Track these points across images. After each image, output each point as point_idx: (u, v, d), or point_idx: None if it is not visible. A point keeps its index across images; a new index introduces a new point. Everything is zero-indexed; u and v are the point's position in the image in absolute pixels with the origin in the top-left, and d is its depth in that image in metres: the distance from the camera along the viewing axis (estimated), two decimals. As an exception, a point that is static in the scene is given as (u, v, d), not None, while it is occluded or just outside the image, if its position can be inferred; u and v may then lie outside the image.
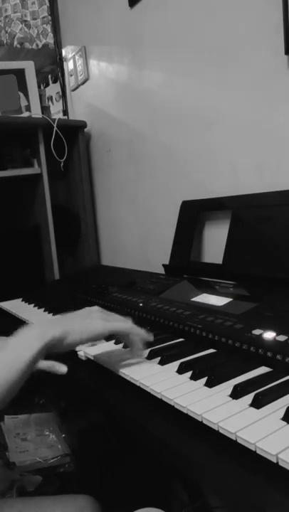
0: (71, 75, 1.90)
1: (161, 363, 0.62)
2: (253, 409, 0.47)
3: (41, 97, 1.95)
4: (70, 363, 0.67)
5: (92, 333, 0.59)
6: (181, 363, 0.59)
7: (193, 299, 0.86)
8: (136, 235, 1.58)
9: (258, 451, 0.40)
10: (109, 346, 0.72)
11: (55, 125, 1.67)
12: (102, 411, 1.11)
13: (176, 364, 0.60)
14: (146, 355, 0.65)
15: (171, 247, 1.21)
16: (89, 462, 1.08)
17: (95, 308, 0.66)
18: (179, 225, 1.21)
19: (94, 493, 0.70)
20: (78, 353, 0.73)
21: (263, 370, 0.56)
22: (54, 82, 1.98)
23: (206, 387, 0.53)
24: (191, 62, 1.20)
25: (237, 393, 0.50)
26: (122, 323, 0.63)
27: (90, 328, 0.59)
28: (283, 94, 0.94)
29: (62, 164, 1.77)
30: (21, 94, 1.82)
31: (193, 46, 1.17)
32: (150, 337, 0.66)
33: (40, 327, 0.58)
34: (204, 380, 0.54)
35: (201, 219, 1.20)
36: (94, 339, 0.60)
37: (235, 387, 0.50)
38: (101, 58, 1.66)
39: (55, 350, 0.56)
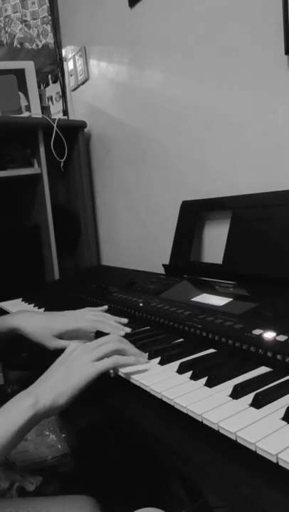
0: (71, 75, 1.90)
1: (161, 362, 0.62)
2: (253, 409, 0.47)
3: (41, 97, 1.95)
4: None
5: (81, 385, 0.57)
6: (181, 363, 0.59)
7: (193, 299, 0.86)
8: (136, 235, 1.58)
9: (258, 451, 0.40)
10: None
11: (55, 125, 1.67)
12: (102, 411, 1.11)
13: (176, 364, 0.60)
14: (146, 357, 0.64)
15: (171, 247, 1.21)
16: (89, 462, 1.08)
17: (72, 348, 0.63)
18: (179, 225, 1.21)
19: (94, 493, 0.70)
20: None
21: (263, 370, 0.56)
22: (54, 82, 1.98)
23: (206, 387, 0.53)
24: (191, 62, 1.20)
25: (237, 393, 0.49)
26: (111, 361, 0.60)
27: (79, 380, 0.57)
28: (283, 94, 0.94)
29: (62, 164, 1.77)
30: (21, 94, 1.82)
31: (193, 46, 1.17)
32: (143, 358, 0.63)
33: (33, 392, 0.56)
34: (204, 380, 0.54)
35: (201, 219, 1.20)
36: (85, 387, 0.58)
37: (235, 387, 0.50)
38: (101, 58, 1.66)
39: (46, 416, 0.56)
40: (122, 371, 0.60)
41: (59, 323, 0.77)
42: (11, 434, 0.52)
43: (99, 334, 0.76)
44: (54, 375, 0.59)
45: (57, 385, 0.57)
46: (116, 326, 0.77)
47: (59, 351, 0.67)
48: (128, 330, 0.77)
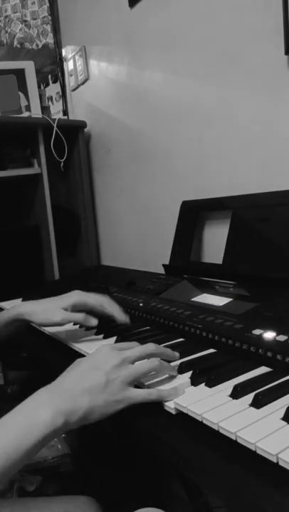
0: (71, 75, 1.90)
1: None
2: (253, 409, 0.47)
3: (41, 97, 1.95)
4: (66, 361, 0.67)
5: (114, 411, 0.49)
6: (181, 363, 0.59)
7: (193, 299, 0.86)
8: (136, 235, 1.58)
9: (258, 451, 0.40)
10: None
11: (55, 125, 1.67)
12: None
13: (176, 364, 0.60)
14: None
15: (171, 247, 1.21)
16: (89, 462, 1.08)
17: (107, 349, 0.55)
18: (179, 225, 1.21)
19: (94, 494, 0.70)
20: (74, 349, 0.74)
21: (263, 370, 0.56)
22: (54, 82, 1.98)
23: (206, 387, 0.53)
24: (191, 62, 1.20)
25: (237, 393, 0.49)
26: (152, 393, 0.51)
27: (114, 408, 0.49)
28: (283, 94, 0.94)
29: (62, 164, 1.77)
30: (21, 94, 1.82)
31: (194, 46, 1.17)
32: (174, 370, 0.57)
33: (52, 406, 0.46)
34: (204, 379, 0.54)
35: (201, 219, 1.20)
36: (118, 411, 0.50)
37: (235, 387, 0.50)
38: (101, 58, 1.66)
39: (70, 428, 0.47)
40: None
41: (66, 297, 0.77)
42: (22, 454, 0.44)
43: (98, 331, 0.76)
44: (86, 385, 0.49)
45: (90, 399, 0.48)
46: (120, 310, 0.77)
47: (65, 356, 0.65)
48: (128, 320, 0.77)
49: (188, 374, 0.56)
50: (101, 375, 0.50)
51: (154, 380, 0.56)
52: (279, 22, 0.89)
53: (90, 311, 0.77)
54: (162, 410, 0.51)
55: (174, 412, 0.50)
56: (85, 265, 1.83)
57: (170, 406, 0.50)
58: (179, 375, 0.57)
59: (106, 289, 1.06)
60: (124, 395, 0.50)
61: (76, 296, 0.77)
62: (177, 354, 0.61)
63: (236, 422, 0.44)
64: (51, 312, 0.75)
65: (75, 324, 0.83)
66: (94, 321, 0.75)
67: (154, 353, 0.57)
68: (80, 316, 0.74)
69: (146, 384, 0.55)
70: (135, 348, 0.56)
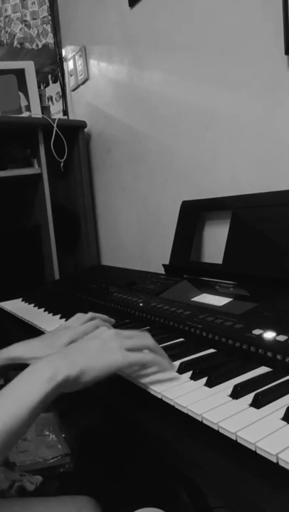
0: (71, 75, 1.90)
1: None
2: (253, 409, 0.47)
3: (41, 97, 1.95)
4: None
5: (111, 368, 0.52)
6: (181, 363, 0.59)
7: (193, 299, 0.86)
8: (136, 235, 1.58)
9: (258, 451, 0.40)
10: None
11: (55, 125, 1.67)
12: (102, 411, 1.11)
13: (176, 364, 0.60)
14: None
15: (171, 247, 1.21)
16: (89, 462, 1.08)
17: (104, 329, 0.59)
18: (179, 225, 1.21)
19: (94, 494, 0.70)
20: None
21: (263, 370, 0.56)
22: (54, 82, 1.98)
23: (206, 387, 0.53)
24: (191, 62, 1.20)
25: (237, 393, 0.49)
26: (142, 356, 0.55)
27: (109, 361, 0.52)
28: (283, 94, 0.94)
29: (62, 164, 1.77)
30: (21, 94, 1.82)
31: (193, 46, 1.17)
32: (171, 366, 0.59)
33: (51, 364, 0.50)
34: (204, 379, 0.54)
35: (201, 219, 1.20)
36: (111, 373, 0.53)
37: (235, 387, 0.50)
38: (101, 58, 1.66)
39: (66, 390, 0.50)
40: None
41: (65, 335, 0.71)
42: (26, 409, 0.46)
43: None
44: (82, 348, 0.54)
45: (85, 359, 0.52)
46: (107, 320, 0.76)
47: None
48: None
49: (188, 374, 0.56)
50: (97, 341, 0.56)
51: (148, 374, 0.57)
52: (279, 22, 0.89)
53: None
54: (162, 410, 0.52)
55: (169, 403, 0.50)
56: (85, 265, 1.83)
57: (169, 404, 0.50)
58: (176, 374, 0.58)
59: (106, 289, 1.06)
60: (119, 353, 0.54)
61: (73, 333, 0.70)
62: (173, 364, 0.60)
63: (236, 422, 0.44)
64: (53, 350, 0.67)
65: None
66: None
67: (153, 348, 0.58)
68: None
69: (141, 381, 0.57)
70: (137, 337, 0.58)
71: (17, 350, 0.72)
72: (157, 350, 0.58)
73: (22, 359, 0.70)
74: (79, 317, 0.77)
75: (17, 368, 0.78)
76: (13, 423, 0.45)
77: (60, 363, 0.51)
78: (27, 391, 0.47)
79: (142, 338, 0.58)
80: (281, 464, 0.38)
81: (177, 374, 0.58)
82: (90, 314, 0.78)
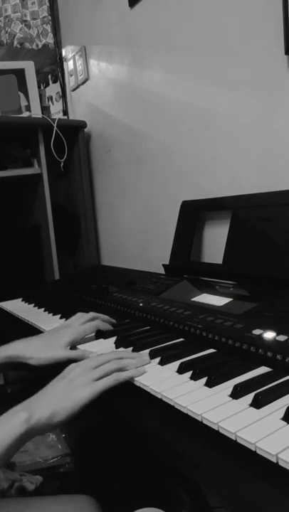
0: (71, 75, 1.90)
1: (161, 362, 0.61)
2: (253, 409, 0.47)
3: (41, 97, 1.95)
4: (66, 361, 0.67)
5: (80, 404, 0.55)
6: (181, 363, 0.59)
7: (193, 299, 0.86)
8: (136, 235, 1.58)
9: (258, 451, 0.40)
10: (108, 344, 0.72)
11: (55, 125, 1.67)
12: (102, 411, 1.11)
13: (176, 364, 0.60)
14: (148, 358, 0.63)
15: (171, 247, 1.21)
16: (89, 462, 1.08)
17: (72, 367, 0.61)
18: (179, 225, 1.21)
19: (94, 493, 0.70)
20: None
21: (263, 370, 0.56)
22: (54, 82, 1.98)
23: (206, 387, 0.53)
24: (191, 62, 1.20)
25: (237, 393, 0.49)
26: (110, 381, 0.58)
27: (79, 398, 0.55)
28: (283, 94, 0.94)
29: (62, 164, 1.77)
30: (21, 94, 1.82)
31: (194, 46, 1.17)
32: (144, 361, 0.62)
33: (27, 407, 0.54)
34: (204, 380, 0.54)
35: (201, 219, 1.20)
36: (82, 408, 0.56)
37: (235, 387, 0.50)
38: (101, 58, 1.66)
39: (40, 432, 0.53)
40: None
41: (66, 334, 0.73)
42: (2, 450, 0.50)
43: (98, 335, 0.76)
44: (52, 392, 0.57)
45: (55, 402, 0.55)
46: (108, 320, 0.79)
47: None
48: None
49: (188, 374, 0.56)
50: (64, 381, 0.58)
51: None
52: (279, 22, 0.89)
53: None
54: (162, 410, 0.52)
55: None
56: (85, 265, 1.83)
57: (169, 404, 0.51)
58: (150, 361, 0.61)
59: (106, 289, 1.06)
60: (86, 388, 0.56)
61: (72, 332, 0.73)
62: (146, 358, 0.63)
63: (236, 422, 0.44)
64: (53, 351, 0.71)
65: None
66: (92, 355, 0.71)
67: (119, 368, 0.60)
68: (80, 354, 0.70)
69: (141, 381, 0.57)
70: (101, 367, 0.60)
71: (17, 349, 0.72)
72: (126, 366, 0.60)
73: (21, 358, 0.71)
74: (80, 316, 0.78)
75: (16, 367, 0.78)
76: None
77: (34, 406, 0.54)
78: (3, 433, 0.51)
79: (108, 364, 0.60)
80: (281, 464, 0.38)
81: (177, 374, 0.58)
82: (91, 314, 0.79)
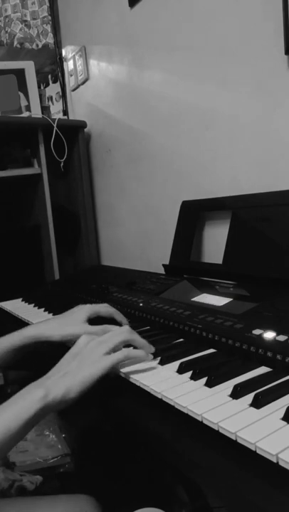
0: (71, 75, 1.90)
1: (161, 362, 0.62)
2: (253, 409, 0.47)
3: (41, 97, 1.95)
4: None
5: (90, 380, 0.56)
6: (181, 363, 0.59)
7: (193, 299, 0.86)
8: (136, 235, 1.58)
9: (258, 451, 0.40)
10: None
11: (55, 125, 1.67)
12: (102, 411, 1.11)
13: (176, 364, 0.60)
14: (153, 349, 0.65)
15: (171, 247, 1.21)
16: (89, 462, 1.08)
17: (83, 340, 0.62)
18: (179, 225, 1.21)
19: (94, 493, 0.70)
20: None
21: (263, 370, 0.56)
22: (54, 82, 1.98)
23: (206, 387, 0.53)
24: (191, 62, 1.20)
25: (237, 393, 0.49)
26: (120, 356, 0.59)
27: (90, 373, 0.56)
28: (283, 94, 0.94)
29: (62, 164, 1.77)
30: (21, 94, 1.82)
31: (193, 46, 1.17)
32: (151, 349, 0.64)
33: (43, 385, 0.55)
34: (204, 380, 0.54)
35: (201, 219, 1.20)
36: (94, 383, 0.57)
37: (235, 387, 0.50)
38: (101, 58, 1.66)
39: (55, 409, 0.55)
40: (122, 371, 0.60)
41: (82, 311, 0.77)
42: (20, 425, 0.51)
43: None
44: (66, 368, 0.58)
45: (69, 377, 0.56)
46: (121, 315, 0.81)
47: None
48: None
49: (188, 374, 0.56)
50: (76, 357, 0.60)
51: (131, 369, 0.60)
52: (279, 22, 0.89)
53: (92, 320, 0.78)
54: (162, 410, 0.52)
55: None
56: (85, 265, 1.83)
57: (169, 404, 0.50)
58: (176, 373, 0.59)
59: (106, 289, 1.06)
60: (97, 363, 0.58)
61: (88, 308, 0.78)
62: (152, 348, 0.64)
63: (236, 422, 0.44)
64: (71, 326, 0.75)
65: None
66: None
67: (128, 340, 0.63)
68: (100, 328, 0.74)
69: (120, 371, 0.60)
70: (111, 337, 0.62)
71: (37, 329, 0.77)
72: (136, 341, 0.63)
73: (42, 336, 0.75)
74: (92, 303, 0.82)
75: (18, 367, 0.78)
76: (5, 435, 0.50)
77: (50, 383, 0.55)
78: (20, 408, 0.52)
79: (118, 335, 0.63)
80: (281, 464, 0.38)
81: (177, 374, 0.58)
82: (105, 305, 0.83)
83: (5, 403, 0.53)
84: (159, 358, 0.63)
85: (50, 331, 0.75)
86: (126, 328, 0.65)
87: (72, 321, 0.76)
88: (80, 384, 0.55)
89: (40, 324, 0.78)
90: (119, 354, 0.60)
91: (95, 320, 0.78)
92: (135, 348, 0.64)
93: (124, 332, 0.64)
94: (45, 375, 0.58)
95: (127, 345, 0.65)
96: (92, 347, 0.60)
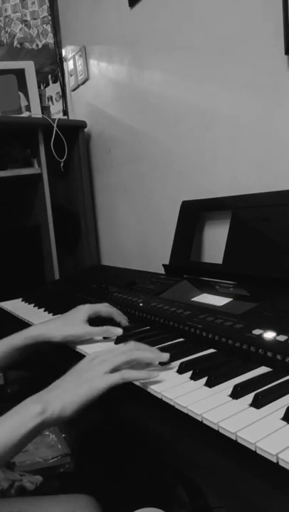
0: (71, 75, 1.90)
1: (161, 362, 0.61)
2: (253, 409, 0.47)
3: (41, 97, 1.95)
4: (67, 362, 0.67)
5: (88, 399, 0.55)
6: (181, 363, 0.59)
7: (193, 299, 0.86)
8: (136, 235, 1.58)
9: (258, 451, 0.40)
10: (108, 344, 0.72)
11: (55, 125, 1.67)
12: (102, 411, 1.11)
13: (176, 364, 0.60)
14: (168, 356, 0.62)
15: (171, 247, 1.21)
16: (89, 462, 1.08)
17: (87, 359, 0.61)
18: (179, 225, 1.21)
19: (94, 493, 0.70)
20: (76, 349, 0.74)
21: (263, 370, 0.56)
22: (54, 82, 1.98)
23: (206, 387, 0.53)
24: (191, 62, 1.19)
25: (237, 393, 0.50)
26: (117, 378, 0.57)
27: (85, 393, 0.55)
28: (283, 94, 0.94)
29: (62, 164, 1.77)
30: (21, 94, 1.82)
31: (193, 46, 1.17)
32: (162, 358, 0.61)
33: (41, 399, 0.54)
34: (204, 380, 0.54)
35: (201, 219, 1.20)
36: (93, 401, 0.56)
37: (236, 387, 0.50)
38: (101, 58, 1.66)
39: (52, 425, 0.54)
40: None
41: (79, 310, 0.77)
42: (16, 440, 0.50)
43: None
44: (65, 384, 0.57)
45: (66, 394, 0.55)
46: (121, 315, 0.81)
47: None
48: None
49: (188, 374, 0.56)
50: (75, 374, 0.59)
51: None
52: (279, 22, 0.89)
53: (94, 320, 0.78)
54: (162, 410, 0.52)
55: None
56: (85, 265, 1.83)
57: (169, 404, 0.50)
58: (176, 373, 0.58)
59: (106, 289, 1.06)
60: (96, 381, 0.56)
61: (88, 308, 0.78)
62: (165, 355, 0.61)
63: (236, 422, 0.44)
64: (73, 327, 0.75)
65: None
66: (118, 331, 0.75)
67: (131, 360, 0.60)
68: (101, 330, 0.75)
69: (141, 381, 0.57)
70: (114, 357, 0.60)
71: (38, 329, 0.77)
72: (141, 358, 0.60)
73: (43, 336, 0.75)
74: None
75: (19, 367, 0.79)
76: (1, 450, 0.50)
77: (48, 399, 0.54)
78: (17, 423, 0.51)
79: (121, 355, 0.60)
80: (281, 464, 0.38)
81: (177, 374, 0.58)
82: (105, 304, 0.83)
83: (2, 417, 0.53)
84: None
85: (51, 332, 0.75)
86: (131, 345, 0.63)
87: (73, 322, 0.76)
88: (75, 403, 0.54)
89: (42, 325, 0.78)
90: (116, 376, 0.57)
91: (95, 319, 0.78)
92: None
93: (127, 352, 0.61)
94: (45, 390, 0.57)
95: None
96: (94, 365, 0.59)
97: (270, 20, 0.93)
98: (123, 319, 0.81)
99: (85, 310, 0.78)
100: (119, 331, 0.74)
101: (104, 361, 0.59)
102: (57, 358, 0.78)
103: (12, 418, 0.52)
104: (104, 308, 0.80)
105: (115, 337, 0.74)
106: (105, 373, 0.57)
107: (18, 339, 0.75)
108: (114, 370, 0.58)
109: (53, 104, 2.01)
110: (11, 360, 0.75)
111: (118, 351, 0.61)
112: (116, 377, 0.57)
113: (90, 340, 0.76)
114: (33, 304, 1.09)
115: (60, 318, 0.80)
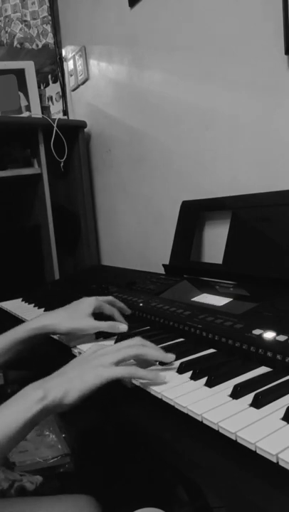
0: (71, 75, 1.90)
1: (161, 363, 0.61)
2: (253, 409, 0.47)
3: (41, 97, 1.95)
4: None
5: (91, 388, 0.54)
6: (181, 363, 0.59)
7: (193, 299, 0.86)
8: (136, 235, 1.58)
9: (258, 451, 0.40)
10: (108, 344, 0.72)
11: (55, 125, 1.67)
12: (102, 411, 1.11)
13: (176, 364, 0.60)
14: (174, 357, 0.61)
15: (171, 247, 1.21)
16: (89, 462, 1.08)
17: (93, 349, 0.60)
18: (179, 225, 1.21)
19: (94, 493, 0.70)
20: (72, 349, 0.74)
21: (263, 370, 0.56)
22: (54, 82, 1.98)
23: (206, 387, 0.53)
24: (191, 62, 1.19)
25: (237, 393, 0.50)
26: (124, 372, 0.56)
27: (89, 381, 0.54)
28: (283, 94, 0.94)
29: (62, 164, 1.77)
30: (21, 94, 1.82)
31: (193, 46, 1.17)
32: (167, 358, 0.60)
33: (42, 386, 0.54)
34: (204, 380, 0.54)
35: (201, 219, 1.20)
36: (94, 391, 0.55)
37: (235, 387, 0.50)
38: (101, 58, 1.66)
39: (53, 412, 0.53)
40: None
41: (84, 302, 0.77)
42: (19, 426, 0.50)
43: (98, 334, 0.76)
44: (68, 372, 0.57)
45: (69, 382, 0.54)
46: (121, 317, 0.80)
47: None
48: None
49: (188, 374, 0.56)
50: (81, 362, 0.58)
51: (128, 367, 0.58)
52: (279, 22, 0.89)
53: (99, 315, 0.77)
54: (162, 410, 0.52)
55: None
56: (85, 265, 1.83)
57: (169, 404, 0.50)
58: (176, 373, 0.58)
59: (106, 289, 1.06)
60: (100, 371, 0.55)
61: (94, 301, 0.77)
62: (171, 356, 0.61)
63: (236, 422, 0.44)
64: (77, 320, 0.74)
65: None
66: (123, 327, 0.74)
67: (138, 355, 0.60)
68: (107, 324, 0.74)
69: (141, 381, 0.57)
70: (121, 350, 0.59)
71: (42, 320, 0.76)
72: (148, 355, 0.60)
73: (47, 328, 0.75)
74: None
75: (19, 367, 0.79)
76: (4, 436, 0.50)
77: (49, 385, 0.54)
78: (19, 409, 0.51)
79: (129, 348, 0.59)
80: (281, 464, 0.38)
81: (177, 374, 0.58)
82: (110, 298, 0.83)
83: (3, 404, 0.52)
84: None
85: (55, 325, 0.74)
86: (137, 340, 0.62)
87: (78, 315, 0.74)
88: (79, 390, 0.54)
89: (44, 317, 0.77)
90: (123, 370, 0.56)
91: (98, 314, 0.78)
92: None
93: (134, 346, 0.60)
94: (48, 376, 0.57)
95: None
96: (98, 355, 0.58)
97: (270, 20, 0.93)
98: (123, 320, 0.80)
99: (90, 303, 0.76)
100: (124, 327, 0.74)
101: (110, 352, 0.59)
102: (57, 358, 0.78)
103: (13, 404, 0.52)
104: (108, 306, 0.78)
105: (115, 337, 0.74)
106: (111, 364, 0.57)
107: (20, 331, 0.74)
108: (119, 363, 0.57)
109: (53, 104, 2.01)
110: (14, 353, 0.74)
111: (124, 345, 0.60)
112: (122, 371, 0.56)
113: (89, 339, 0.76)
114: (33, 304, 1.09)
115: (64, 309, 0.78)
